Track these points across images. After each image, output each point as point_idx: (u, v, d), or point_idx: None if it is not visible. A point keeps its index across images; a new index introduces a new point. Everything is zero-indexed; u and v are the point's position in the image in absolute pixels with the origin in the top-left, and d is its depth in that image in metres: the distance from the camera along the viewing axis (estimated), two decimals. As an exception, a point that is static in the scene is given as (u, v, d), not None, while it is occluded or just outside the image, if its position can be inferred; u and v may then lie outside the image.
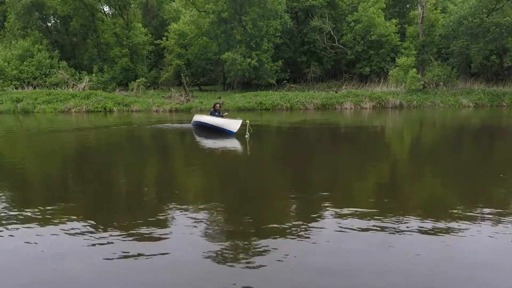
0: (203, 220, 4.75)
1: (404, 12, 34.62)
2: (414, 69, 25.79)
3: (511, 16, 25.11)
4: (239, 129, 12.36)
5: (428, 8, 27.41)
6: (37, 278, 3.45)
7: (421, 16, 27.45)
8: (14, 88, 26.64)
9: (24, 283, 3.39)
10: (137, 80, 27.50)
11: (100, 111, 23.27)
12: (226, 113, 14.29)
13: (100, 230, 4.48)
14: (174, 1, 36.75)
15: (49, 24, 33.08)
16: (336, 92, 26.73)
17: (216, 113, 13.67)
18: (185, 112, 23.07)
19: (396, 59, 27.35)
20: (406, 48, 27.62)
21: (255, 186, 6.66)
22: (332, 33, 30.53)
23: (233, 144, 11.25)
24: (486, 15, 25.51)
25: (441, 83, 27.20)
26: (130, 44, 29.11)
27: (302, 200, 5.70)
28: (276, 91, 27.51)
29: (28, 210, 5.20)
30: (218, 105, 14.27)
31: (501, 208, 5.10)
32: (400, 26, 30.17)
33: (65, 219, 4.78)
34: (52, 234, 4.35)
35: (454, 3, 29.21)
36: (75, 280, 3.39)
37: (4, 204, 5.53)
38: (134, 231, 4.40)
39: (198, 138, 12.72)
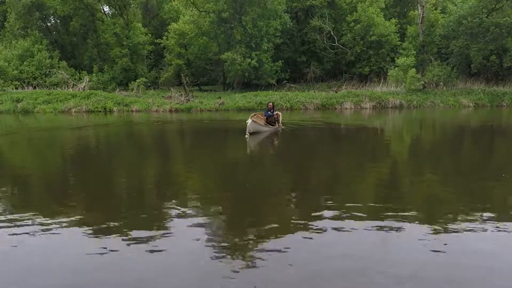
0: (203, 220, 4.76)
1: (404, 12, 34.60)
2: (414, 69, 25.78)
3: (511, 16, 25.11)
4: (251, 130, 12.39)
5: (428, 8, 27.39)
6: (39, 277, 3.46)
7: (421, 16, 27.43)
8: (14, 88, 26.61)
9: (26, 282, 3.40)
10: (137, 80, 27.46)
11: (100, 111, 23.25)
12: (276, 112, 14.32)
13: (100, 228, 4.49)
14: (174, 1, 36.70)
15: (49, 24, 33.02)
16: (336, 92, 26.71)
17: (269, 112, 13.78)
18: (185, 112, 23.06)
19: (395, 59, 27.33)
20: (405, 49, 27.60)
21: (254, 186, 6.67)
22: (332, 33, 30.52)
23: (233, 143, 11.26)
24: (485, 15, 25.51)
25: (441, 83, 27.17)
26: (130, 44, 29.07)
27: (302, 200, 5.71)
28: (276, 91, 27.46)
29: (29, 209, 5.20)
30: (270, 104, 14.29)
31: (503, 208, 5.11)
32: (400, 26, 30.14)
33: (66, 218, 4.79)
34: (51, 233, 4.36)
35: (454, 3, 29.19)
36: (75, 279, 3.40)
37: (5, 204, 5.54)
38: (134, 230, 4.41)
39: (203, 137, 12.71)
